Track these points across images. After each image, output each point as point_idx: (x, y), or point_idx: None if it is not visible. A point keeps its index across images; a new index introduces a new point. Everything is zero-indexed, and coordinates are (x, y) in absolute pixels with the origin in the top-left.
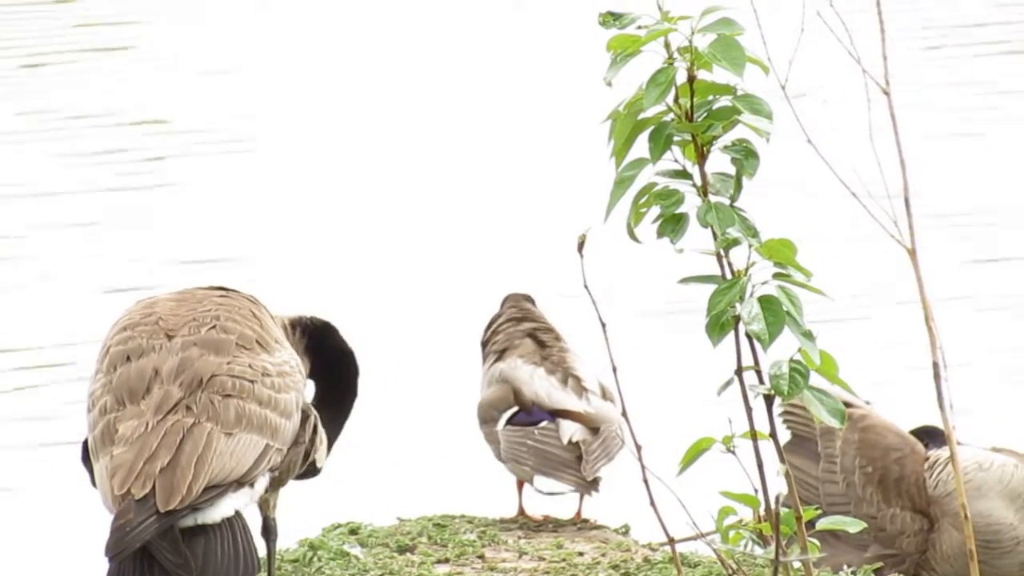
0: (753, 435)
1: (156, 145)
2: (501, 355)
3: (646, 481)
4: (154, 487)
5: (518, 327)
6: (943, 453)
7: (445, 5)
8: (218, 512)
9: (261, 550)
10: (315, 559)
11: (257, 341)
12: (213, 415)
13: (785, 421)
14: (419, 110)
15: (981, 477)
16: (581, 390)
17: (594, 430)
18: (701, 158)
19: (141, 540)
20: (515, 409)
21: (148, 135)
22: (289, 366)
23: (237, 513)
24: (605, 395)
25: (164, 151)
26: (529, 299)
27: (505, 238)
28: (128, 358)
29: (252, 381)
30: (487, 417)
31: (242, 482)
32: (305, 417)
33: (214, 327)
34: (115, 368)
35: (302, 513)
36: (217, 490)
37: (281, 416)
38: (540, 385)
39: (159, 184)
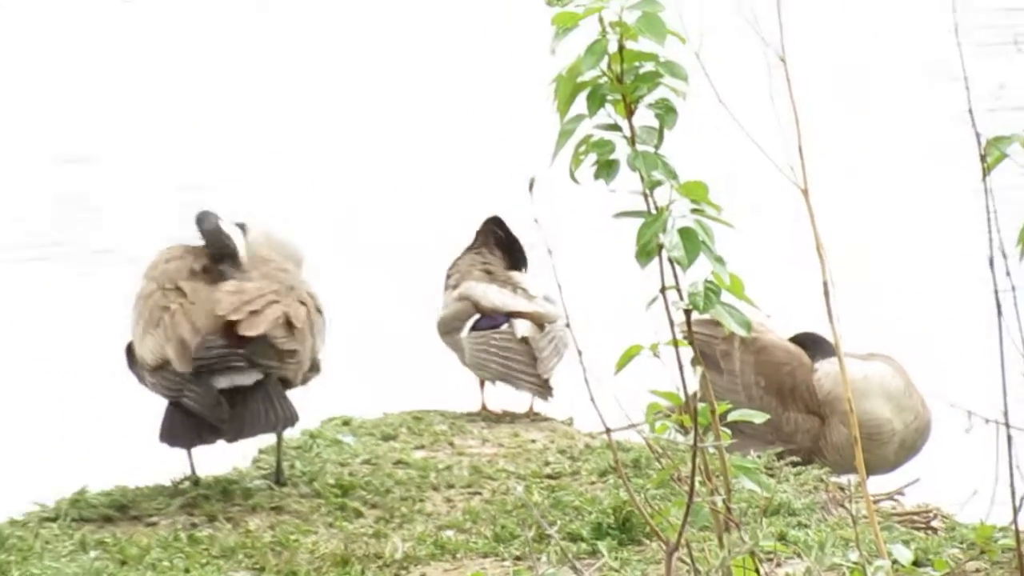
0: (675, 343)
1: None
2: (458, 284)
3: (587, 380)
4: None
5: (472, 265)
6: (830, 364)
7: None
8: (250, 377)
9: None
10: (314, 445)
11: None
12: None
13: (693, 342)
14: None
15: (865, 383)
16: (529, 296)
17: (541, 327)
18: (630, 114)
19: (222, 362)
20: (477, 316)
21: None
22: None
23: (268, 376)
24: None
25: None
26: (498, 222)
27: (468, 180)
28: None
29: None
30: (450, 328)
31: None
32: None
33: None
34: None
35: (303, 409)
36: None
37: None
38: (495, 295)
39: None
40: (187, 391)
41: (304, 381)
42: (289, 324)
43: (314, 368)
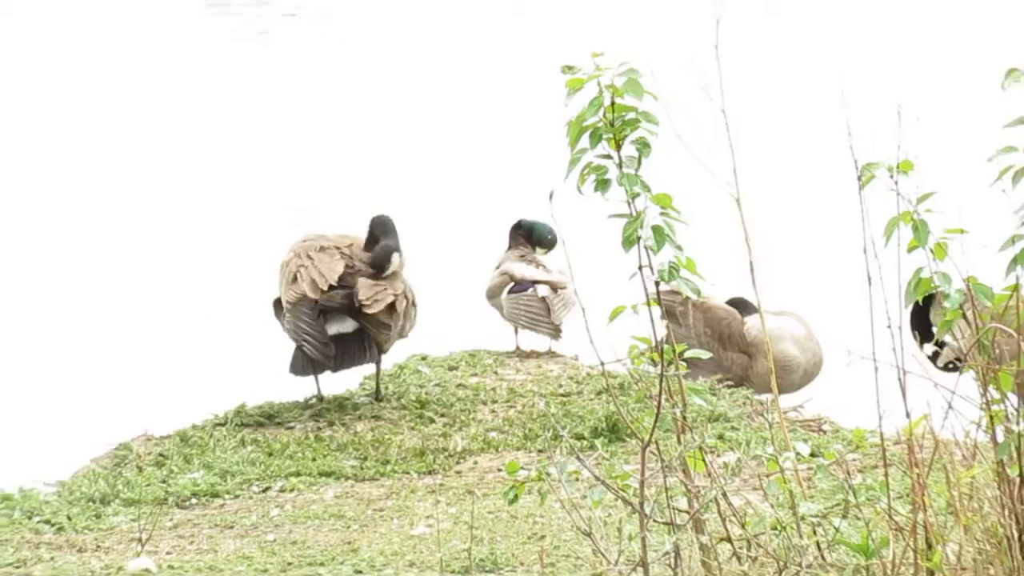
0: (648, 303)
1: None
2: (500, 264)
3: (588, 328)
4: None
5: (509, 258)
6: (754, 319)
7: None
8: (350, 325)
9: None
10: (402, 373)
11: None
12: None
13: (661, 303)
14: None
15: (779, 331)
16: (547, 270)
17: (555, 290)
18: (618, 147)
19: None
20: (511, 285)
21: None
22: None
23: (365, 330)
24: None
25: None
26: (519, 225)
27: (503, 186)
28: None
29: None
30: (494, 294)
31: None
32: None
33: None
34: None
35: (395, 349)
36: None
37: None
38: (523, 269)
39: None
40: (308, 335)
41: (392, 344)
42: (392, 308)
43: (402, 336)
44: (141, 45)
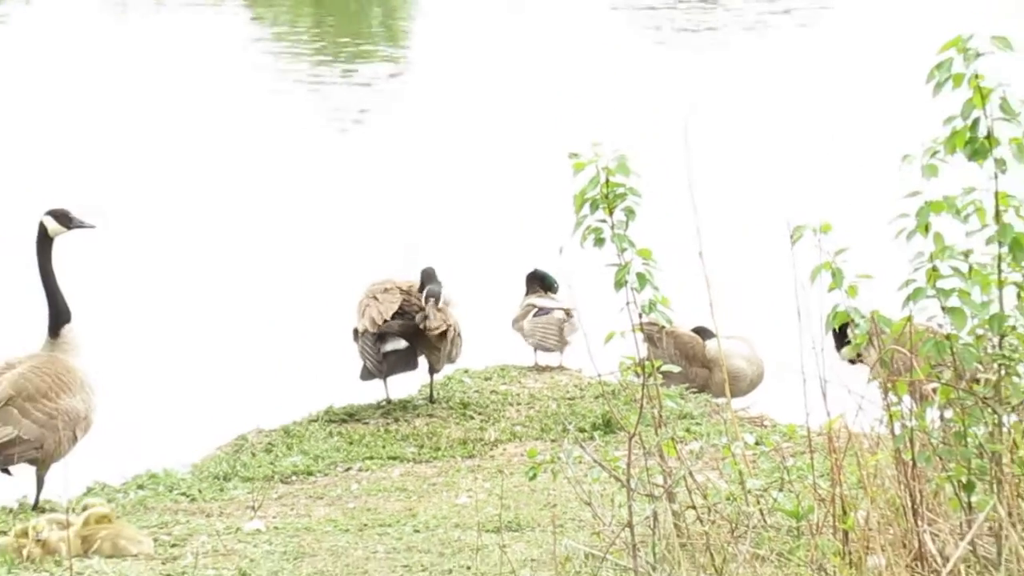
0: (633, 330)
1: None
2: (523, 302)
3: (588, 349)
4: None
5: (529, 294)
6: (713, 342)
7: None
8: (401, 343)
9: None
10: (449, 382)
11: None
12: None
13: (643, 330)
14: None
15: (731, 350)
16: (558, 302)
17: (567, 315)
18: (611, 213)
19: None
20: (535, 311)
21: None
22: None
23: (410, 346)
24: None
25: None
26: (534, 274)
27: (519, 248)
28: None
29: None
30: (519, 321)
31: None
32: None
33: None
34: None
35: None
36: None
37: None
38: (544, 301)
39: None
40: (368, 354)
41: (443, 366)
42: (443, 335)
43: (452, 360)
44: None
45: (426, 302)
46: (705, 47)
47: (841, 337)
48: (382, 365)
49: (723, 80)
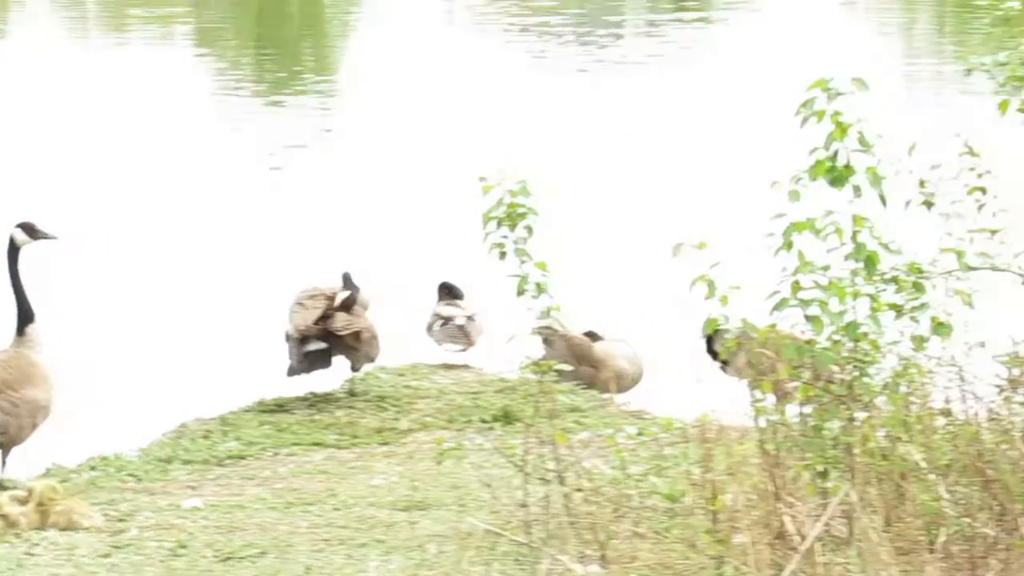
0: (532, 333)
1: None
2: (434, 309)
3: (491, 349)
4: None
5: (440, 303)
6: (601, 344)
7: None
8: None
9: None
10: (367, 377)
11: None
12: None
13: (540, 333)
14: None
15: (616, 351)
16: (462, 310)
17: (470, 319)
18: (513, 229)
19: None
20: (442, 320)
21: None
22: None
23: (328, 347)
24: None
25: None
26: (444, 285)
27: (432, 259)
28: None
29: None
30: (430, 326)
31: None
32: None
33: None
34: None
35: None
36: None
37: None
38: (449, 309)
39: None
40: (292, 354)
41: (363, 365)
42: (357, 336)
43: (372, 359)
44: None
45: (339, 307)
46: (614, 76)
47: (712, 348)
48: (303, 364)
49: (624, 108)
